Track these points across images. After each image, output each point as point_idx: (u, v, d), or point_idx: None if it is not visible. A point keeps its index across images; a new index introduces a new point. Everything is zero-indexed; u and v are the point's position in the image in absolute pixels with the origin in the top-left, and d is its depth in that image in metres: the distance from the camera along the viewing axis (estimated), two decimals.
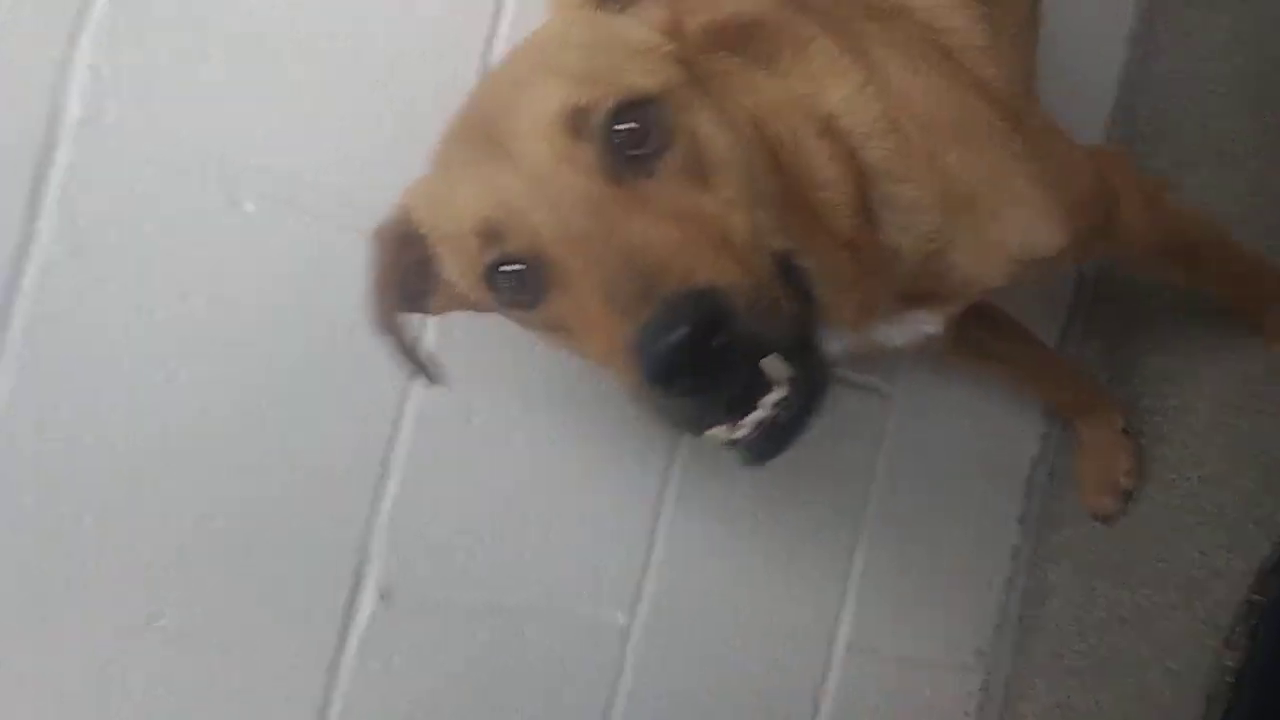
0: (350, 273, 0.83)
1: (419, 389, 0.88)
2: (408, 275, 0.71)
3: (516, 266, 0.62)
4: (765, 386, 0.59)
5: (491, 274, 0.63)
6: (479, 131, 0.65)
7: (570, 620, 1.00)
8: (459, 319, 0.79)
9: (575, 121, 0.60)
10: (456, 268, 0.67)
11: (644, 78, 0.63)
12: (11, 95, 0.72)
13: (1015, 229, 0.80)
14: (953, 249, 0.79)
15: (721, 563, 1.09)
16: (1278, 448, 1.16)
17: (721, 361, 0.55)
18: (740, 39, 0.74)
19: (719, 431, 0.60)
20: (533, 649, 0.98)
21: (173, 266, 0.78)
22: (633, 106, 0.61)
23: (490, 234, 0.62)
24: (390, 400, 0.88)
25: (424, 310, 0.75)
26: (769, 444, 0.60)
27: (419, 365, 0.75)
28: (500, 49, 0.89)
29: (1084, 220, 0.84)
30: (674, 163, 0.61)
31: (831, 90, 0.74)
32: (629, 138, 0.61)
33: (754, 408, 0.59)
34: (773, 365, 0.58)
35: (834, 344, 0.74)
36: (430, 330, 0.87)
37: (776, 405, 0.59)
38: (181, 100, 0.77)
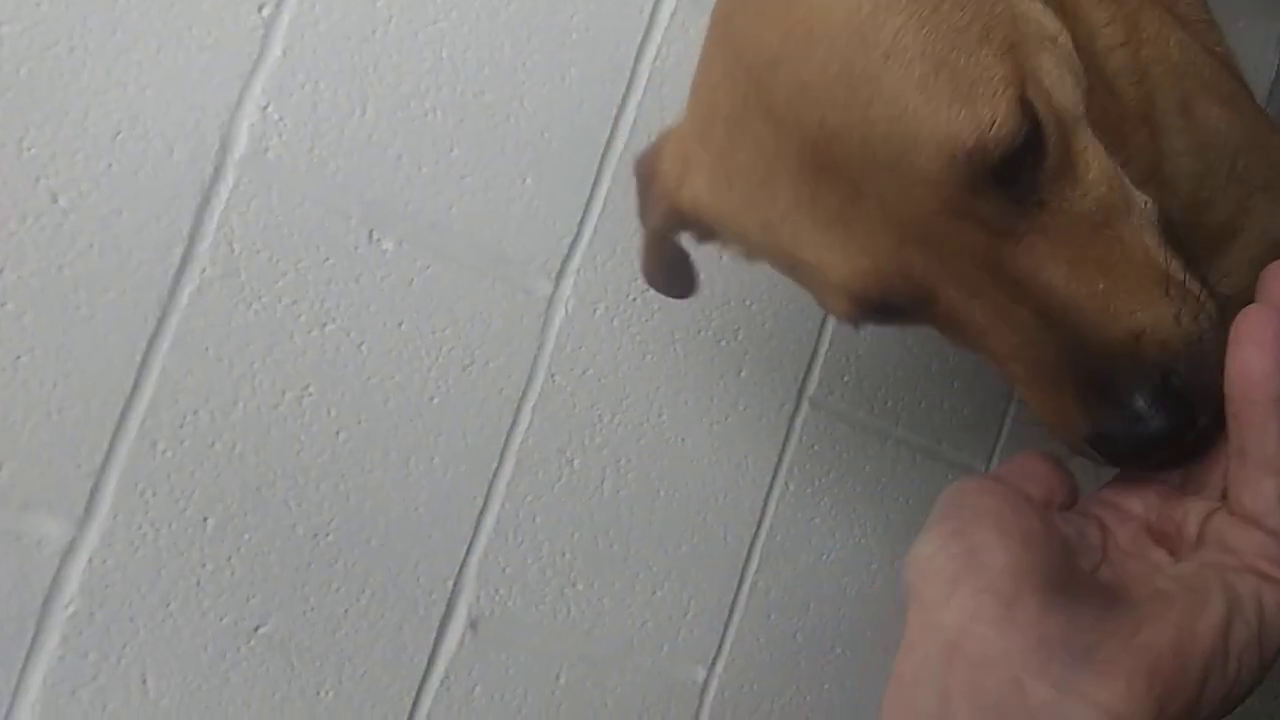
0: (472, 312, 0.89)
1: (524, 429, 0.92)
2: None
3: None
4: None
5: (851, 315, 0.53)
6: (793, 146, 0.48)
7: (650, 671, 1.02)
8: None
9: (973, 163, 0.46)
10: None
11: (1041, 59, 0.50)
12: (188, 126, 0.79)
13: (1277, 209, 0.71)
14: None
15: (807, 621, 1.10)
16: None
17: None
18: None
19: None
20: (610, 695, 1.00)
21: (314, 295, 0.84)
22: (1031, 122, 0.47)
23: (858, 299, 0.51)
24: (496, 438, 0.92)
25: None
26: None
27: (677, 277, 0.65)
28: (629, 124, 0.94)
29: None
30: (1054, 167, 0.48)
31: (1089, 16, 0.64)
32: (1018, 161, 0.47)
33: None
34: None
35: None
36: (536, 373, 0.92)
37: None
38: (338, 144, 0.84)
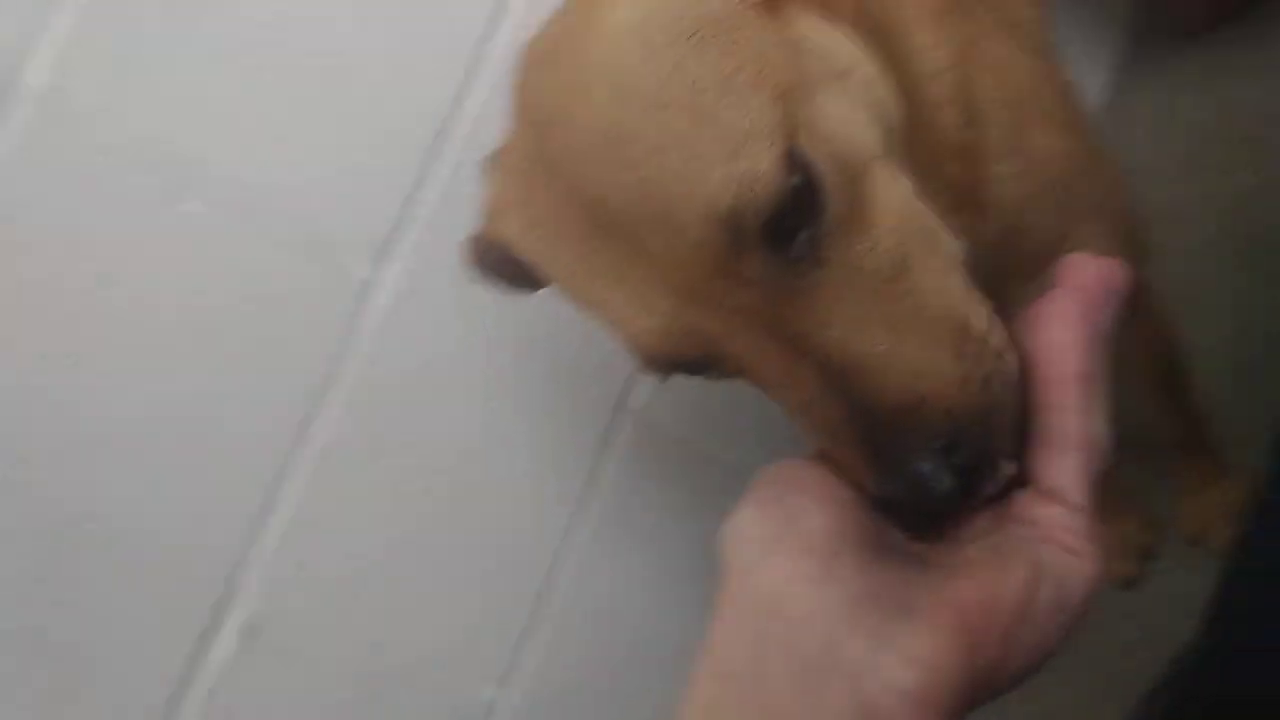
0: (279, 288, 0.81)
1: (326, 420, 0.85)
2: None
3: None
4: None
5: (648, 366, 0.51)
6: (573, 204, 0.48)
7: (438, 688, 0.96)
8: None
9: (733, 225, 0.44)
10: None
11: (826, 99, 0.47)
12: None
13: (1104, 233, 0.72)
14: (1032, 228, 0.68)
15: (610, 640, 1.06)
16: (1156, 604, 1.19)
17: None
18: None
19: None
20: (394, 713, 0.94)
21: (100, 253, 0.75)
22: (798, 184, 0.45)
23: (644, 354, 0.50)
24: (294, 427, 0.85)
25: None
26: None
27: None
28: (478, 98, 0.89)
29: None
30: (838, 219, 0.46)
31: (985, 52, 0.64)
32: (792, 218, 0.45)
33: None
34: None
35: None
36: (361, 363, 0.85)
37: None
38: (145, 91, 0.75)
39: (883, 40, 0.54)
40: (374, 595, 0.91)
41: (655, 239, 0.45)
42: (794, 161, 0.44)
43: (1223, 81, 1.38)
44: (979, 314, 0.46)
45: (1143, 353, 0.98)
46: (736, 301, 0.45)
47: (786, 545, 0.39)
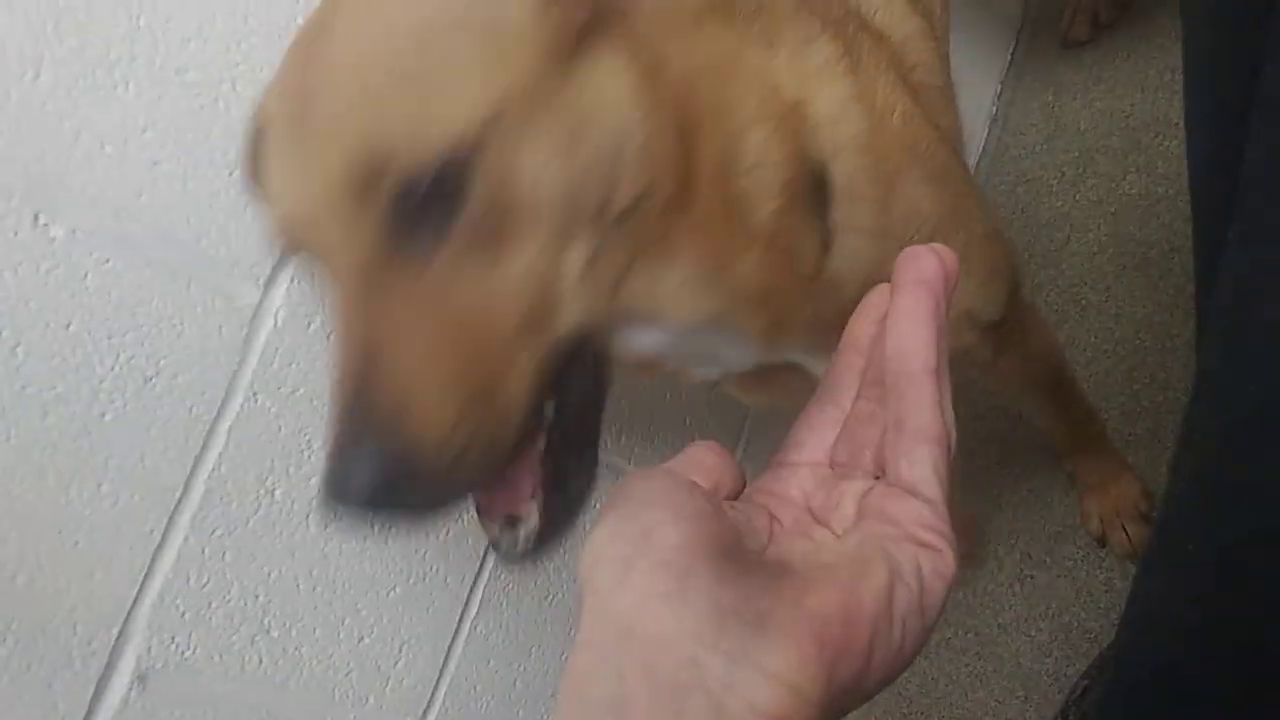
0: (159, 317, 0.78)
1: (216, 453, 0.81)
2: None
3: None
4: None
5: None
6: (301, 94, 0.51)
7: None
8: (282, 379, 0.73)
9: (366, 181, 0.48)
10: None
11: (462, 111, 0.48)
12: None
13: (972, 284, 0.75)
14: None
15: (529, 667, 1.04)
16: (1069, 602, 1.21)
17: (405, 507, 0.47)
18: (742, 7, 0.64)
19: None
20: None
21: None
22: (433, 168, 0.47)
23: (278, 232, 0.54)
24: (182, 463, 0.81)
25: None
26: (514, 558, 0.53)
27: None
28: None
29: (1011, 300, 0.82)
30: (470, 224, 0.48)
31: (823, 91, 0.65)
32: (425, 201, 0.48)
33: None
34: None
35: (737, 351, 0.67)
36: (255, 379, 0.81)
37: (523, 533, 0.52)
38: (2, 109, 0.70)
39: (695, 121, 0.56)
40: (276, 636, 0.87)
41: (318, 142, 0.49)
42: (454, 164, 0.47)
43: (1107, 90, 1.43)
44: (518, 393, 0.49)
45: (1027, 369, 1.01)
46: (348, 233, 0.49)
47: (641, 564, 0.38)
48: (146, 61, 0.75)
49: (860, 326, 0.49)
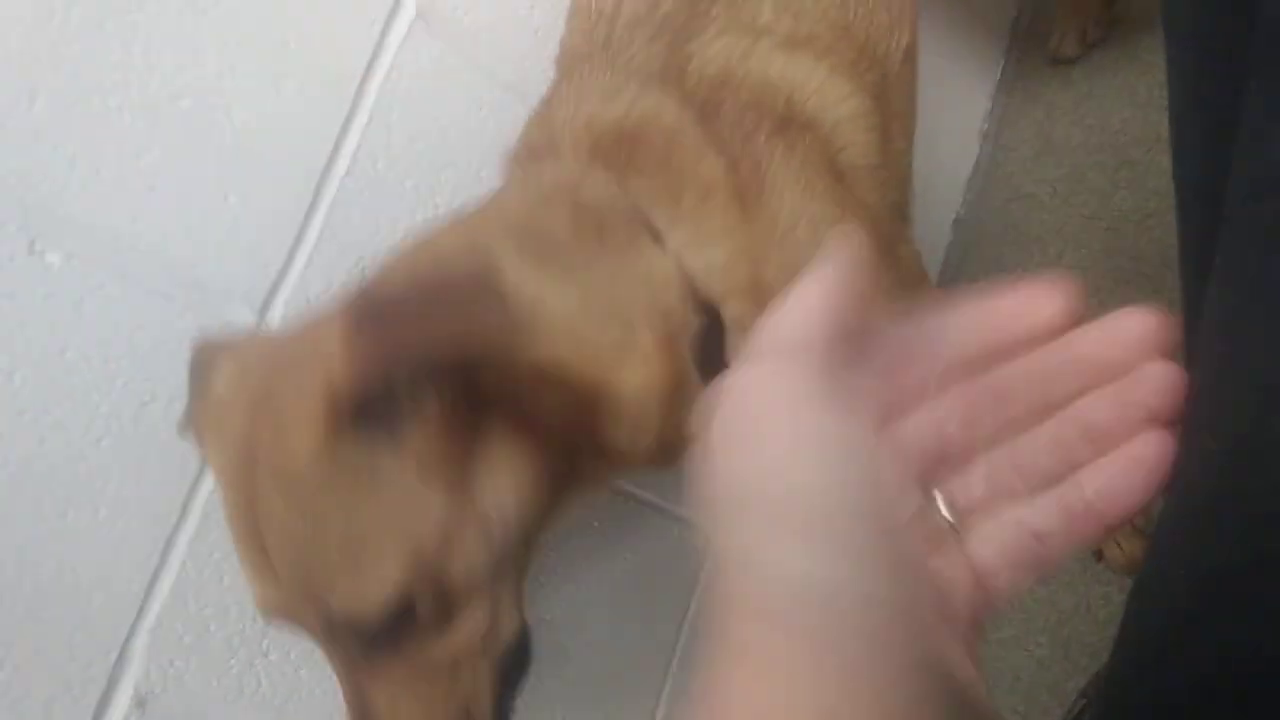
0: (155, 342, 0.78)
1: (210, 476, 0.81)
2: None
3: None
4: None
5: None
6: (250, 513, 0.60)
7: None
8: None
9: (325, 617, 0.61)
10: None
11: (390, 569, 0.58)
12: None
13: None
14: None
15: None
16: (1067, 616, 1.21)
17: None
18: (641, 158, 0.72)
19: None
20: None
21: None
22: (380, 616, 0.59)
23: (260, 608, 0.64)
24: (179, 487, 0.81)
25: None
26: None
27: None
28: (352, 148, 0.87)
29: None
30: (423, 622, 0.60)
31: (711, 250, 0.71)
32: (380, 630, 0.60)
33: None
34: None
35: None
36: None
37: None
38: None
39: (590, 405, 0.63)
40: (275, 660, 0.87)
41: (275, 575, 0.59)
42: (394, 603, 0.57)
43: (1096, 106, 1.44)
44: (488, 698, 0.64)
45: None
46: (322, 634, 0.61)
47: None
48: (140, 88, 0.76)
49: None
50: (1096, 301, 1.26)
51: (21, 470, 0.74)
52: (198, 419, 0.67)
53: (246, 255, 0.82)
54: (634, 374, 0.63)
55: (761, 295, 0.72)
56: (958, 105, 1.52)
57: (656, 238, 0.70)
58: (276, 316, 0.83)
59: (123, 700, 0.80)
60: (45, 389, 0.74)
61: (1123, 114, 1.40)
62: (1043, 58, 1.52)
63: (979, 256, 1.47)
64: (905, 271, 0.86)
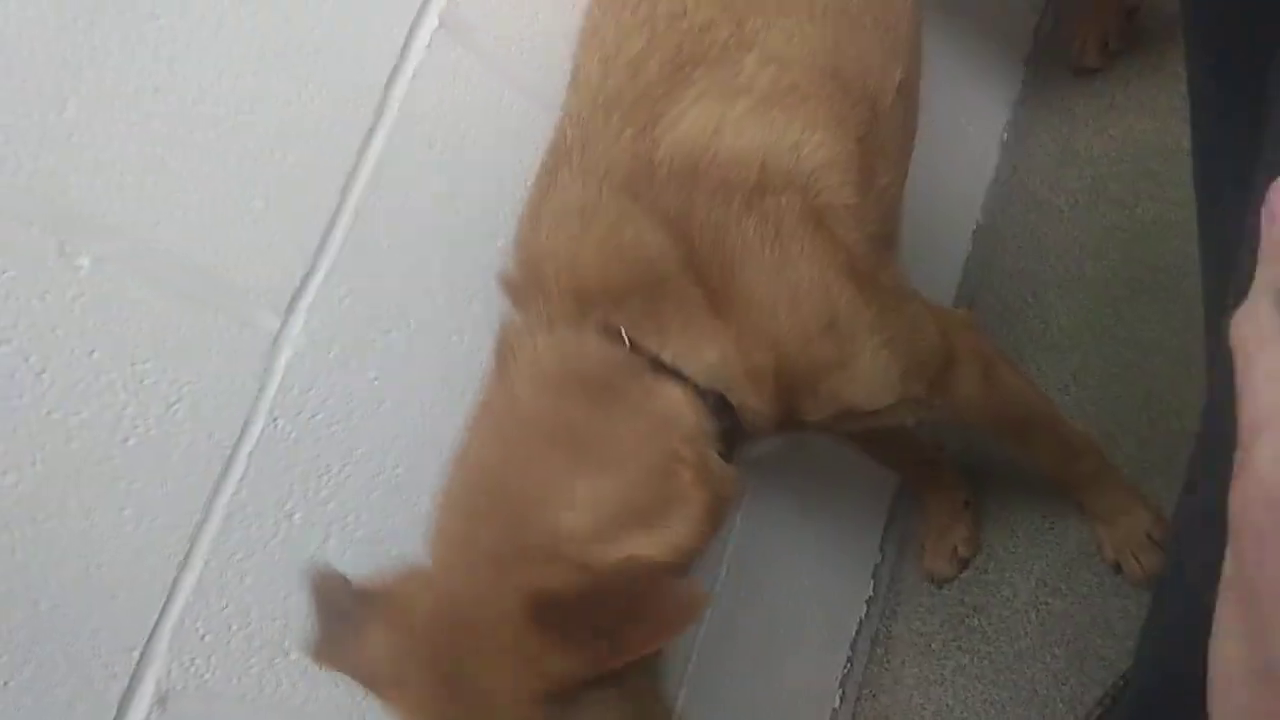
0: (181, 344, 0.79)
1: (237, 478, 0.83)
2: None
3: None
4: None
5: None
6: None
7: None
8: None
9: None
10: None
11: None
12: None
13: (851, 387, 0.85)
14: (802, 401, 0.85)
15: None
16: (1085, 629, 1.20)
17: None
18: (620, 290, 0.79)
19: None
20: None
21: None
22: None
23: None
24: (203, 488, 0.82)
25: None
26: None
27: None
28: (377, 154, 0.88)
29: (918, 382, 0.90)
30: None
31: (704, 353, 0.80)
32: None
33: None
34: None
35: None
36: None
37: None
38: (29, 142, 0.72)
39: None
40: (295, 659, 0.88)
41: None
42: None
43: (1118, 117, 1.43)
44: None
45: (987, 418, 1.06)
46: None
47: None
48: (169, 94, 0.77)
49: None
50: (1117, 312, 1.25)
51: (49, 469, 0.75)
52: (351, 668, 0.76)
53: (272, 260, 0.83)
54: (684, 526, 0.75)
55: (759, 379, 0.81)
56: (978, 114, 1.52)
57: (657, 365, 0.79)
58: (299, 322, 0.84)
59: (145, 697, 0.81)
60: (73, 389, 0.75)
61: (1144, 125, 1.40)
62: (1064, 68, 1.52)
63: (999, 266, 1.46)
64: (888, 298, 0.88)
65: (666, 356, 0.79)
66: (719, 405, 0.80)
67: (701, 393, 0.79)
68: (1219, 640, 0.31)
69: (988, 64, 1.54)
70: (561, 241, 0.82)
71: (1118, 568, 1.21)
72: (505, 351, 0.82)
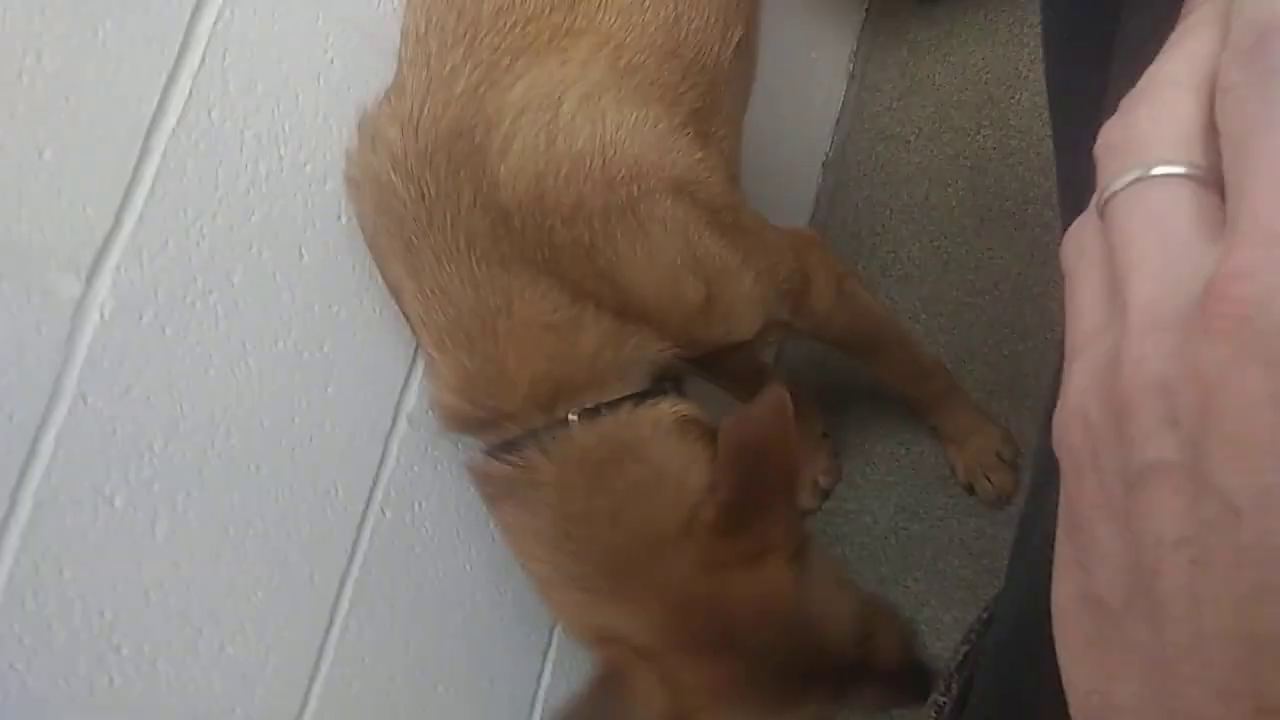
0: None
1: (44, 464, 0.74)
2: None
3: None
4: None
5: None
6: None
7: None
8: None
9: None
10: None
11: None
12: None
13: (731, 324, 0.90)
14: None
15: (407, 661, 1.00)
16: (942, 551, 1.24)
17: None
18: (556, 368, 0.85)
19: None
20: None
21: None
22: None
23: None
24: (5, 477, 0.73)
25: None
26: None
27: None
28: (183, 94, 0.79)
29: (782, 304, 0.94)
30: None
31: (647, 357, 0.87)
32: None
33: None
34: None
35: None
36: None
37: None
38: None
39: None
40: (128, 654, 0.81)
41: None
42: None
43: (959, 45, 1.44)
44: None
45: (842, 334, 1.11)
46: None
47: None
48: None
49: None
50: (964, 240, 1.27)
51: None
52: None
53: (69, 217, 0.74)
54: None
55: (689, 345, 0.88)
56: (824, 46, 1.51)
57: (638, 399, 0.85)
58: (105, 284, 0.76)
59: None
60: None
61: (984, 53, 1.41)
62: None
63: (848, 198, 1.47)
64: (748, 237, 0.91)
65: (632, 390, 0.86)
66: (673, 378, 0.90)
67: (667, 387, 0.88)
68: (1056, 569, 0.30)
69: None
70: (482, 360, 0.84)
71: (971, 489, 1.24)
72: (503, 484, 0.87)
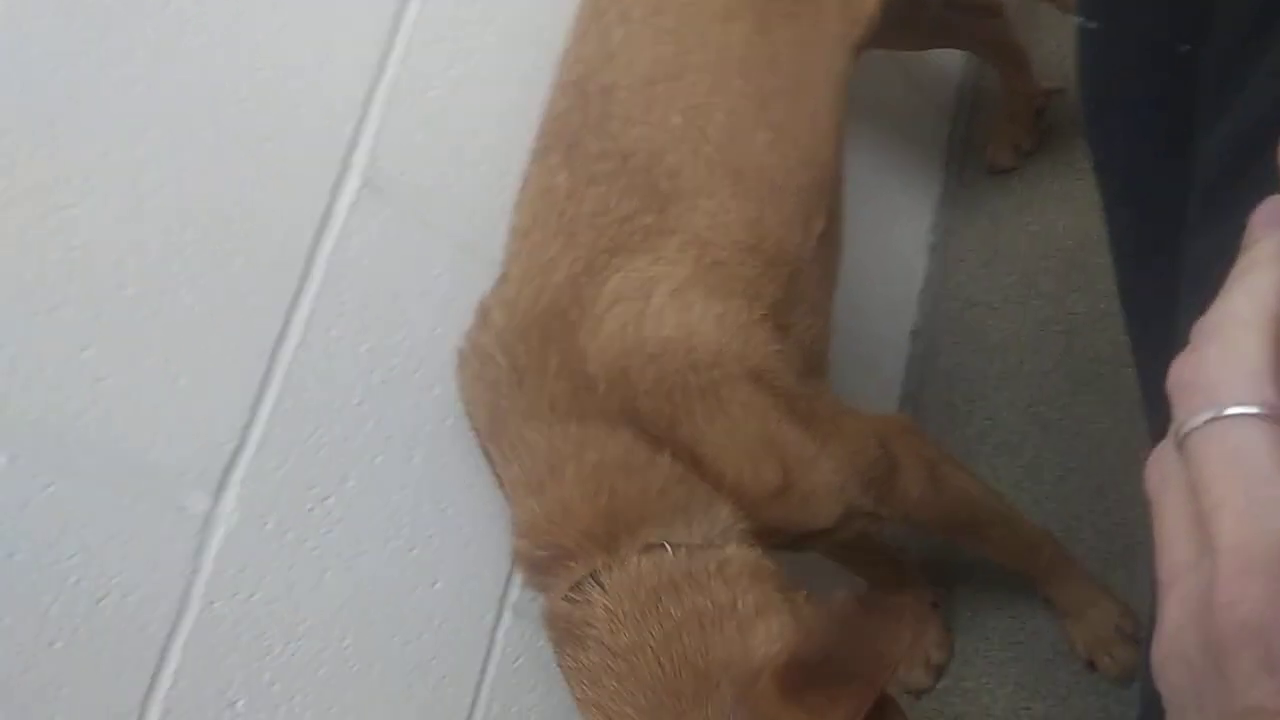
0: (107, 536, 0.75)
1: (172, 670, 0.78)
2: None
3: None
4: None
5: None
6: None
7: None
8: None
9: None
10: None
11: None
12: None
13: (806, 511, 0.90)
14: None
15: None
16: None
17: None
18: (643, 516, 0.84)
19: None
20: None
21: None
22: None
23: None
24: (136, 685, 0.77)
25: None
26: None
27: None
28: (304, 317, 0.87)
29: (865, 493, 0.93)
30: None
31: (732, 522, 0.87)
32: None
33: None
34: None
35: None
36: None
37: None
38: None
39: None
40: None
41: None
42: None
43: (1038, 214, 1.47)
44: None
45: (936, 518, 1.08)
46: None
47: None
48: (81, 281, 0.75)
49: None
50: (1062, 405, 1.26)
51: None
52: None
53: (199, 436, 0.80)
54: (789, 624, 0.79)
55: (768, 530, 0.87)
56: (903, 220, 1.55)
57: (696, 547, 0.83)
58: (231, 497, 0.81)
59: None
60: None
61: (1065, 220, 1.44)
62: (982, 170, 1.56)
63: (939, 366, 1.47)
64: (827, 425, 0.92)
65: (698, 538, 0.83)
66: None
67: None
68: None
69: (908, 170, 1.58)
70: (549, 501, 0.84)
71: (1092, 665, 1.19)
72: (563, 625, 0.83)
